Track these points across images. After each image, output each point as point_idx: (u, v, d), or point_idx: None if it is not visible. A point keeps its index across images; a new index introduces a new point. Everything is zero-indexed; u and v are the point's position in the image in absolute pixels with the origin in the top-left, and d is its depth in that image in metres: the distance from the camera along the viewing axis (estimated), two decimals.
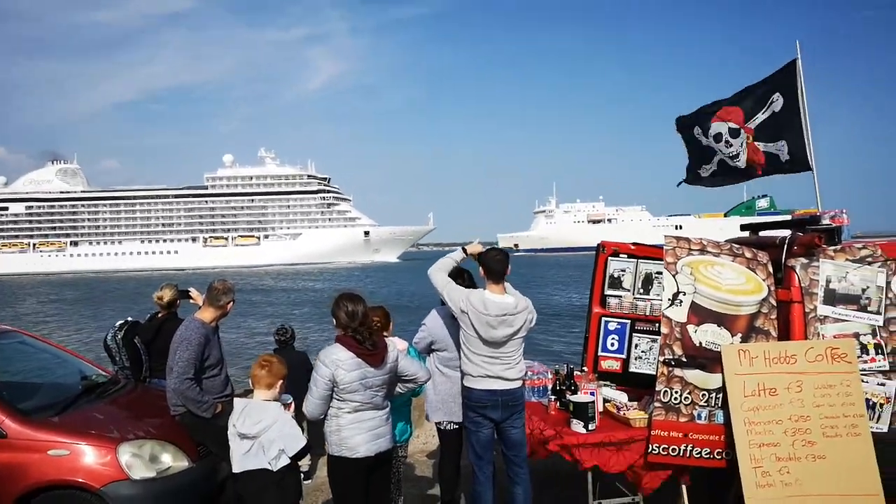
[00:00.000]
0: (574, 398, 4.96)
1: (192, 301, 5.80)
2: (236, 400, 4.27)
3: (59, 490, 4.41)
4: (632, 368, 5.68)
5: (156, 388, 5.57)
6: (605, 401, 5.27)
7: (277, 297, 45.31)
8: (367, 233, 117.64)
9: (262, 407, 4.13)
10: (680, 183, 6.37)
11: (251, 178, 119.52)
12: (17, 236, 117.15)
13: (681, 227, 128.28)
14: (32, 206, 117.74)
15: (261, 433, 4.04)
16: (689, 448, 4.67)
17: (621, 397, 5.30)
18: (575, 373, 5.42)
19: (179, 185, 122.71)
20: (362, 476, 4.06)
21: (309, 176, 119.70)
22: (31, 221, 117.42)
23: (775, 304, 4.77)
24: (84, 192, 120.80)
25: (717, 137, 5.77)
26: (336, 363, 3.99)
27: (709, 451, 4.68)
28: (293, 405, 4.44)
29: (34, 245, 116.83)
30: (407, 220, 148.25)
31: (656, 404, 4.70)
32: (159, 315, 6.07)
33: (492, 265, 4.62)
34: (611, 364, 5.71)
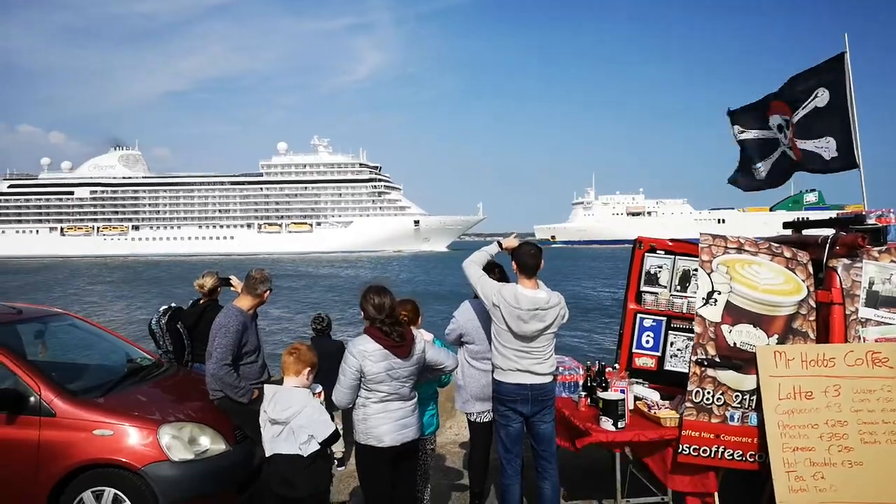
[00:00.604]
0: (604, 395, 4.92)
1: (232, 288, 5.93)
2: (266, 386, 4.35)
3: (103, 468, 4.55)
4: (667, 366, 5.58)
5: (197, 373, 5.72)
6: (636, 399, 5.21)
7: (327, 282, 45.91)
8: (417, 222, 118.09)
9: (291, 393, 4.20)
10: (732, 181, 6.19)
11: (304, 165, 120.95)
12: (81, 220, 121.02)
13: (723, 221, 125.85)
14: (97, 191, 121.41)
15: (290, 419, 4.11)
16: (720, 449, 4.59)
17: (653, 396, 5.23)
18: (607, 369, 5.37)
19: (234, 172, 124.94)
20: (388, 465, 4.12)
21: (360, 164, 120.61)
22: (94, 205, 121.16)
23: (814, 306, 4.64)
24: (145, 177, 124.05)
25: (780, 128, 5.60)
26: (363, 354, 4.05)
27: (741, 453, 4.59)
28: (323, 393, 4.50)
29: (98, 228, 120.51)
30: (455, 210, 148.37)
31: (688, 404, 4.62)
32: (201, 301, 6.22)
33: (525, 260, 4.60)
34: (645, 361, 5.63)
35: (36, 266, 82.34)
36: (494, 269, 4.92)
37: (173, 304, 6.23)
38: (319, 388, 4.52)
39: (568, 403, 5.26)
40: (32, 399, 4.61)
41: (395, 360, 4.09)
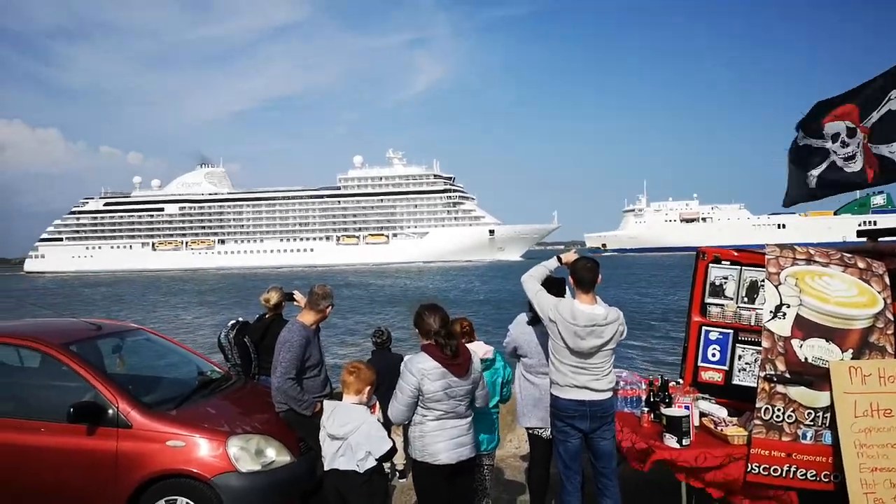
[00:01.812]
0: (668, 411, 4.75)
1: (295, 303, 6.04)
2: (325, 402, 4.40)
3: (175, 479, 4.68)
4: (735, 381, 5.36)
5: (263, 386, 5.82)
6: (702, 415, 5.01)
7: (397, 293, 46.30)
8: (492, 231, 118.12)
9: (349, 409, 4.23)
10: (787, 202, 5.86)
11: (380, 178, 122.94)
12: (171, 235, 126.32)
13: (784, 227, 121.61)
14: (185, 207, 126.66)
15: (348, 435, 4.14)
16: (792, 469, 4.37)
17: (720, 412, 5.02)
18: (670, 384, 5.20)
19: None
20: (443, 482, 4.10)
21: (435, 176, 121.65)
22: (183, 221, 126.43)
23: (893, 319, 4.38)
24: (230, 193, 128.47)
25: (835, 137, 5.33)
26: (422, 372, 4.04)
27: (814, 473, 4.35)
28: (378, 406, 4.52)
29: (186, 243, 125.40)
30: (529, 219, 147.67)
31: (757, 422, 4.42)
32: (267, 316, 6.35)
33: (582, 274, 4.52)
34: (712, 375, 5.42)
35: (130, 278, 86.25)
36: (556, 286, 4.84)
37: (241, 319, 6.37)
38: (374, 401, 4.55)
39: (630, 419, 5.11)
40: (111, 411, 4.78)
41: (453, 378, 4.08)
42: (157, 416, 4.87)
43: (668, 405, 4.94)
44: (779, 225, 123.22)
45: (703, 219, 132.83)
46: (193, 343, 21.74)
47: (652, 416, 5.01)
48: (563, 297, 4.71)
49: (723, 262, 5.48)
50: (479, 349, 4.83)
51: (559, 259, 4.81)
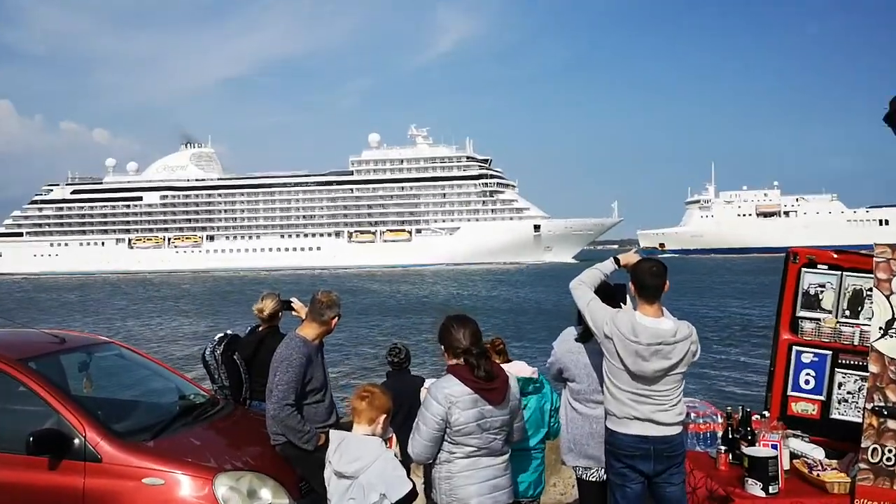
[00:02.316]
0: (751, 451, 4.70)
1: (294, 314, 6.09)
2: (332, 432, 4.42)
3: None
4: (833, 414, 5.30)
5: (256, 413, 5.90)
6: (794, 456, 4.97)
7: (422, 303, 46.47)
8: (537, 227, 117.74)
9: (361, 442, 4.25)
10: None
11: (401, 161, 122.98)
12: (150, 230, 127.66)
13: (886, 223, 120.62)
14: (167, 196, 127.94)
15: (359, 472, 4.15)
16: None
17: (816, 453, 4.98)
18: (753, 417, 5.15)
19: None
20: None
21: (468, 158, 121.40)
22: (165, 213, 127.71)
23: None
24: (220, 178, 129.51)
25: None
26: (450, 399, 4.03)
27: None
28: (395, 439, 4.55)
29: (169, 239, 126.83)
30: (581, 211, 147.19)
31: (862, 465, 4.39)
32: (260, 329, 6.42)
33: (645, 280, 4.48)
34: (805, 407, 5.37)
35: (101, 282, 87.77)
36: (615, 297, 4.80)
37: (229, 332, 6.45)
38: (391, 433, 4.57)
39: (703, 460, 5.09)
40: (77, 441, 4.83)
41: (487, 406, 4.07)
42: (132, 447, 4.91)
43: (751, 443, 4.90)
44: (881, 221, 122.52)
45: (786, 212, 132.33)
46: (173, 360, 22.13)
47: (730, 456, 4.98)
48: (622, 308, 4.69)
49: (819, 267, 5.41)
50: (520, 370, 4.84)
51: (616, 261, 4.76)
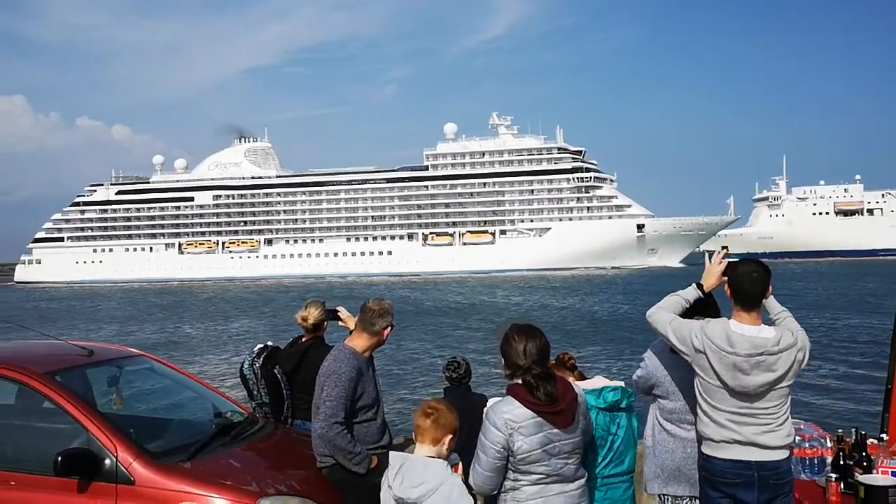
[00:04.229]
0: (867, 479, 4.69)
1: (340, 324, 6.25)
2: (392, 454, 4.49)
3: None
4: None
5: (299, 432, 6.07)
6: None
7: (493, 315, 46.43)
8: (640, 227, 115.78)
9: (425, 465, 4.31)
10: None
11: (482, 153, 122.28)
12: (203, 233, 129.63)
13: None
14: (220, 196, 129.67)
15: (422, 498, 4.22)
16: None
17: None
18: (869, 441, 5.11)
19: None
20: None
21: (559, 149, 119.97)
22: (218, 214, 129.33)
23: None
24: (279, 176, 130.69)
25: None
26: (510, 425, 4.05)
27: None
28: (461, 466, 4.63)
29: (223, 244, 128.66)
30: (691, 209, 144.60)
31: None
32: (303, 340, 6.55)
33: (744, 285, 4.47)
34: None
35: (148, 290, 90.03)
36: (706, 311, 4.72)
37: (270, 343, 6.57)
38: (457, 460, 4.66)
39: (811, 489, 5.04)
40: (108, 462, 5.00)
41: (553, 430, 4.10)
42: (167, 469, 5.06)
43: (867, 470, 4.86)
44: None
45: (870, 211, 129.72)
46: (209, 375, 22.69)
47: (842, 485, 4.92)
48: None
49: None
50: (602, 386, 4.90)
51: (700, 287, 4.73)
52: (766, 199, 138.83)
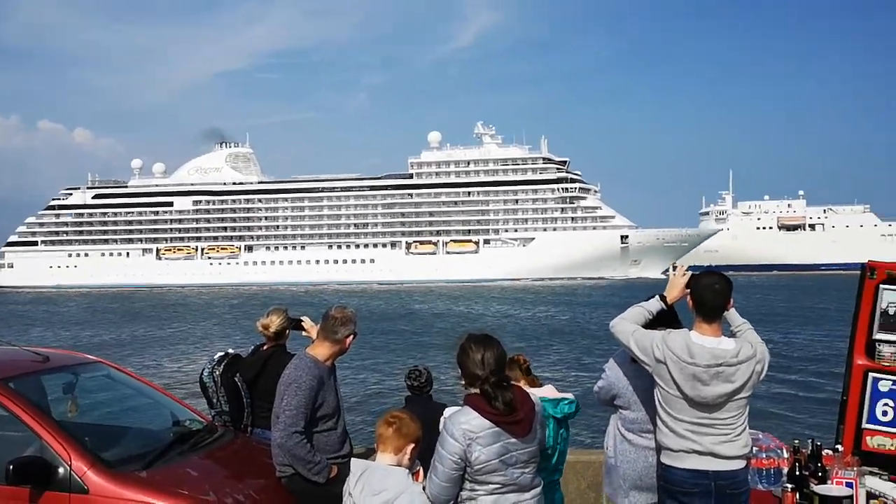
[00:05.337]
0: (823, 489, 4.76)
1: (304, 334, 6.24)
2: (354, 461, 4.52)
3: None
4: None
5: (259, 441, 6.05)
6: (871, 496, 4.96)
7: (469, 323, 46.56)
8: (624, 237, 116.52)
9: (387, 473, 4.33)
10: None
11: (467, 162, 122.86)
12: (181, 238, 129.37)
13: None
14: (201, 201, 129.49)
15: None
16: None
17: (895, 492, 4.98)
18: (824, 452, 5.17)
19: (375, 171, 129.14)
20: None
21: (543, 159, 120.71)
22: (198, 220, 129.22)
23: None
24: (260, 182, 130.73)
25: None
26: (468, 435, 4.06)
27: None
28: (422, 472, 4.63)
29: (202, 250, 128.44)
30: (671, 220, 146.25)
31: None
32: (265, 347, 6.55)
33: (706, 296, 4.54)
34: (882, 442, 5.38)
35: (124, 296, 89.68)
36: (663, 322, 4.80)
37: (231, 351, 6.57)
38: (418, 467, 4.66)
39: (766, 500, 5.10)
40: (61, 470, 4.95)
41: (511, 440, 4.11)
42: (122, 477, 5.01)
43: (822, 481, 4.94)
44: None
45: (811, 226, 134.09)
46: (169, 382, 22.68)
47: (798, 495, 4.98)
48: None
49: None
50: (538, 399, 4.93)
51: (663, 299, 4.81)
52: (711, 213, 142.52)
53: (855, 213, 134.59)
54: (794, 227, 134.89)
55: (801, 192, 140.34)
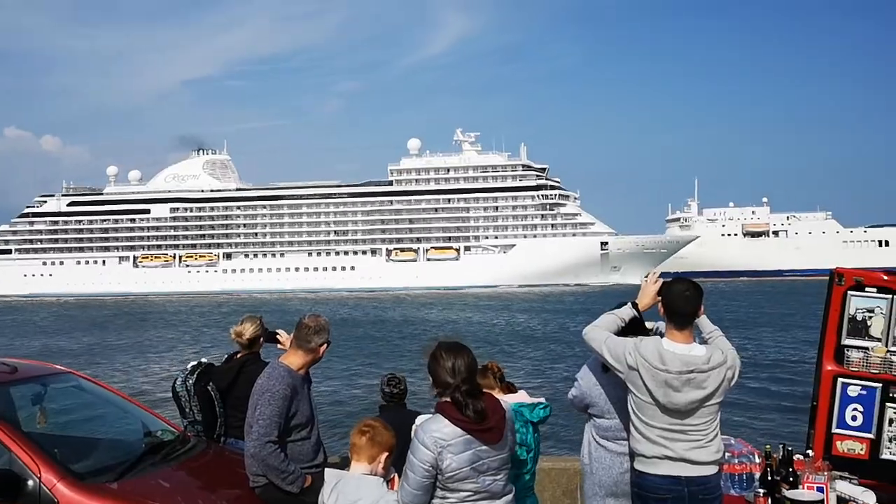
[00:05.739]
0: (794, 494, 4.80)
1: (280, 347, 6.24)
2: (328, 471, 4.54)
3: None
4: (884, 454, 5.37)
5: (232, 451, 6.04)
6: (841, 500, 5.01)
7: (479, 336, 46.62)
8: (604, 244, 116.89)
9: (361, 482, 4.36)
10: None
11: (447, 169, 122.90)
12: (159, 246, 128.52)
13: (887, 244, 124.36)
14: (178, 208, 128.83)
15: None
16: None
17: (867, 497, 5.01)
18: (795, 457, 5.22)
19: (355, 178, 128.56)
20: None
21: (523, 166, 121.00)
22: (176, 227, 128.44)
23: None
24: (238, 189, 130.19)
25: None
26: (439, 443, 4.08)
27: None
28: (396, 479, 4.64)
29: (180, 258, 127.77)
30: (642, 227, 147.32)
31: None
32: (238, 356, 6.54)
33: (677, 303, 4.59)
34: (851, 446, 5.43)
35: (101, 305, 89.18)
36: (632, 330, 4.85)
37: (204, 360, 6.55)
38: (393, 474, 4.68)
39: None
40: (30, 483, 4.91)
41: (482, 447, 4.13)
42: (93, 490, 4.98)
43: (794, 486, 4.98)
44: (880, 242, 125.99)
45: (775, 232, 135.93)
46: (140, 392, 22.62)
47: (770, 500, 5.03)
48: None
49: (868, 289, 5.47)
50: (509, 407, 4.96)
51: (635, 306, 4.86)
52: (677, 219, 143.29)
53: (817, 219, 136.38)
54: (759, 234, 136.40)
55: (764, 199, 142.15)
